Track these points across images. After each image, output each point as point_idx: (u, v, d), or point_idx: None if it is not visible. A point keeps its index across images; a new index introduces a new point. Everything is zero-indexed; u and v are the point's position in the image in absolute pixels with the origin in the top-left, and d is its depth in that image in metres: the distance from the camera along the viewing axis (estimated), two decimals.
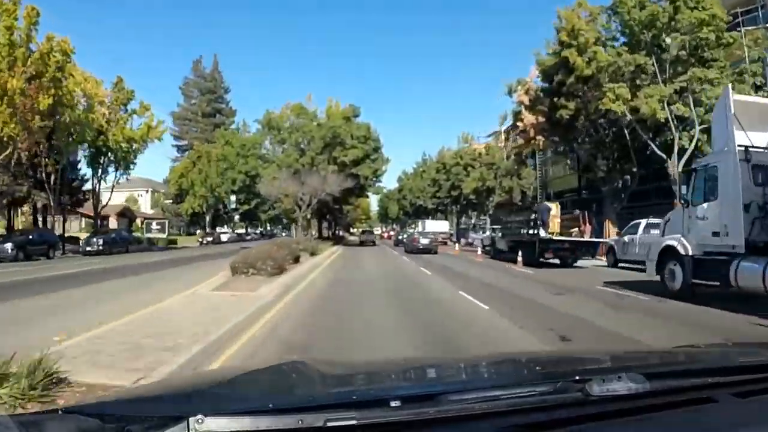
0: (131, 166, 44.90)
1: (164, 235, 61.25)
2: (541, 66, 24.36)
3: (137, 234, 60.01)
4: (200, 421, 1.03)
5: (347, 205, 54.80)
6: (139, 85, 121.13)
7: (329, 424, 1.07)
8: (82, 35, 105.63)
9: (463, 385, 1.52)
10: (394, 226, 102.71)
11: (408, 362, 2.48)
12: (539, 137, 24.18)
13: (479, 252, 27.14)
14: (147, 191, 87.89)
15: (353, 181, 35.76)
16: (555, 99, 22.65)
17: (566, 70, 22.78)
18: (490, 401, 1.21)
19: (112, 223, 72.75)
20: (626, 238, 20.47)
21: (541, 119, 23.60)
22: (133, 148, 43.27)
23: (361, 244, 47.89)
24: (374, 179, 41.42)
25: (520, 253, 21.09)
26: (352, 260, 24.53)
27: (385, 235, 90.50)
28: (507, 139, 63.53)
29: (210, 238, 60.22)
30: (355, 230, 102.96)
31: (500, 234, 25.58)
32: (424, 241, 33.10)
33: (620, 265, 20.77)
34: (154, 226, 63.70)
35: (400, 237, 49.23)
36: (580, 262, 21.92)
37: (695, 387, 1.40)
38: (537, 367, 1.90)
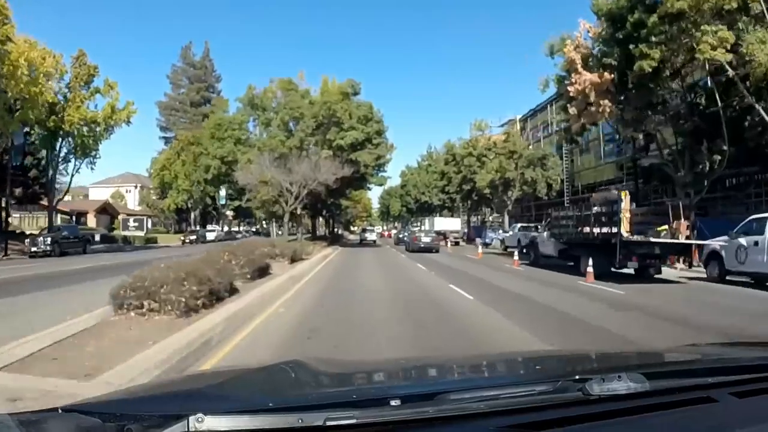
0: (95, 154, 38.62)
1: (142, 233, 55.22)
2: (603, 8, 17.95)
3: (118, 232, 54.46)
4: (200, 419, 1.01)
5: (345, 199, 48.37)
6: (123, 72, 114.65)
7: (329, 423, 1.05)
8: (63, 26, 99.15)
9: (462, 384, 1.49)
10: (396, 224, 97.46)
11: (408, 362, 2.40)
12: (604, 102, 17.78)
13: (516, 258, 20.69)
14: (135, 187, 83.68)
15: (351, 168, 29.16)
16: (630, 47, 16.28)
17: (645, 7, 16.42)
18: (490, 401, 1.20)
19: (91, 220, 68.31)
20: (743, 241, 14.14)
21: (608, 77, 17.23)
22: (97, 132, 37.10)
23: (361, 242, 45.57)
24: (376, 169, 34.84)
25: (590, 261, 14.66)
26: (349, 270, 18.15)
27: (386, 233, 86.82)
28: (523, 128, 57.30)
29: (193, 237, 54.12)
30: (356, 228, 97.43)
31: (547, 233, 19.20)
32: (426, 239, 32.08)
33: (729, 278, 14.60)
34: (131, 223, 57.49)
35: (401, 236, 48.03)
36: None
37: (695, 387, 1.38)
38: (537, 367, 1.91)
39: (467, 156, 48.05)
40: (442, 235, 44.39)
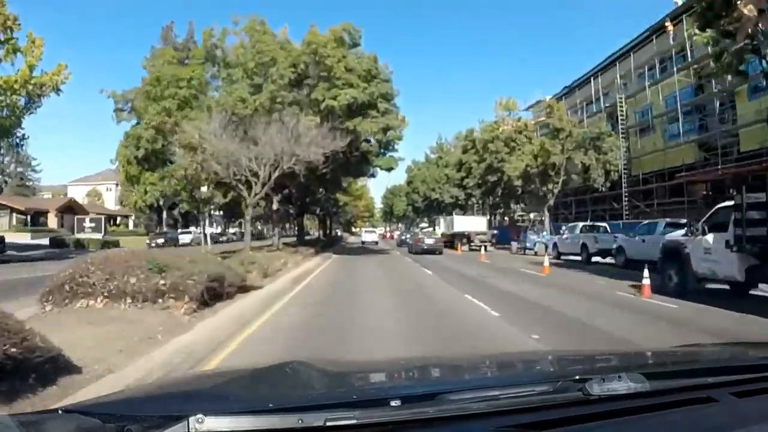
0: (18, 132, 29.41)
1: (100, 236, 46.32)
2: None
3: (78, 235, 45.94)
4: (200, 420, 1.00)
5: (343, 193, 39.06)
6: (103, 57, 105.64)
7: (329, 423, 1.05)
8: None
9: (462, 384, 1.48)
10: (399, 225, 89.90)
11: (408, 362, 2.40)
12: None
13: (645, 281, 11.34)
14: (117, 185, 76.27)
15: (346, 138, 19.49)
16: None
17: None
18: (490, 401, 1.19)
19: (51, 221, 60.20)
20: None
21: None
22: (12, 101, 28.05)
23: (363, 246, 42.77)
24: (383, 148, 25.48)
25: None
26: (335, 319, 8.90)
27: (388, 235, 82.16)
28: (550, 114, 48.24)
29: (161, 240, 45.44)
30: (357, 230, 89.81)
31: (714, 238, 9.92)
32: (429, 241, 30.80)
33: None
34: (86, 224, 48.53)
35: (403, 237, 46.70)
36: None
37: (695, 387, 1.36)
38: (537, 367, 1.91)
39: (493, 140, 38.95)
40: (466, 237, 35.57)
